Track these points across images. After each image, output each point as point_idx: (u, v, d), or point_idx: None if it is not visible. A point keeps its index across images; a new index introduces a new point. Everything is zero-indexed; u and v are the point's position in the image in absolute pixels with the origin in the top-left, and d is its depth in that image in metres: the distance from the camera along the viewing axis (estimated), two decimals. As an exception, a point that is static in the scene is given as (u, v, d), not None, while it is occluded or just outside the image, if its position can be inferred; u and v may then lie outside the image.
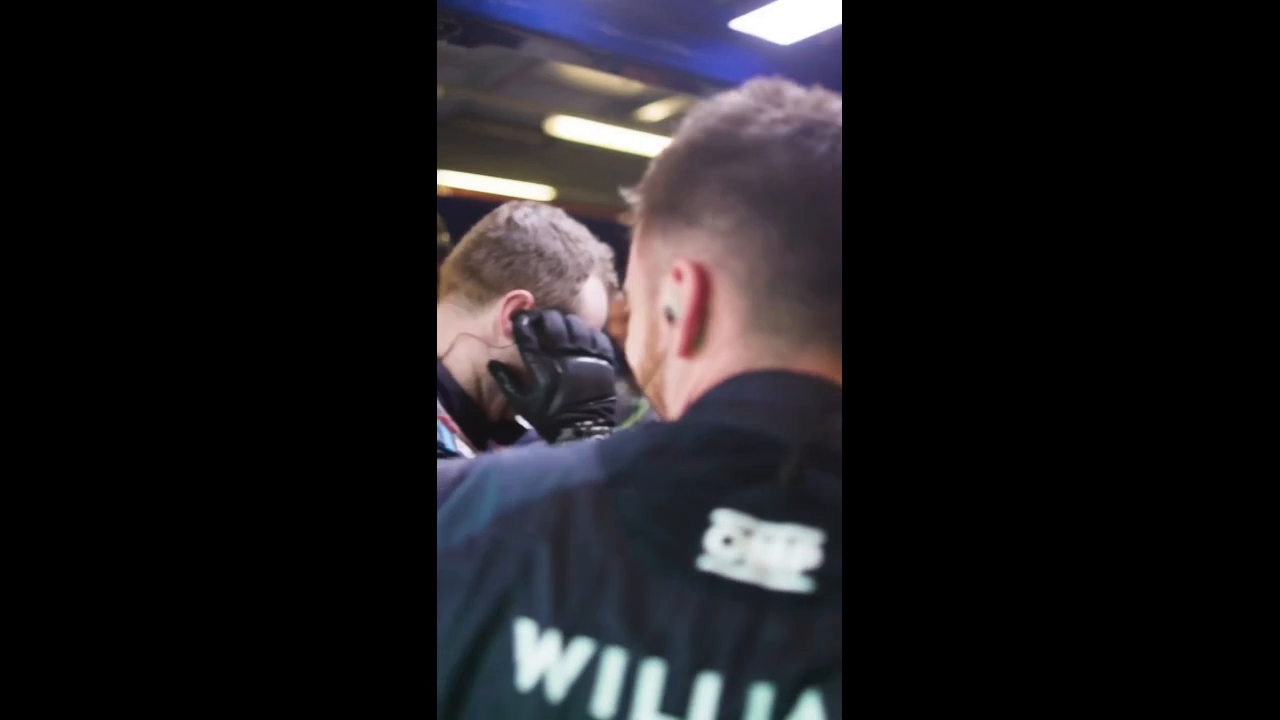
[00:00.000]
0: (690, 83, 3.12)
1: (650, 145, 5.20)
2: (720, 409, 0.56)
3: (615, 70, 3.12)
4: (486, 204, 1.27)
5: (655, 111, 5.16)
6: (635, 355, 0.65)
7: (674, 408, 0.62)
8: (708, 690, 0.47)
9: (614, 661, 0.49)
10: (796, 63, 2.87)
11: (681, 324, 0.59)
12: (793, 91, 0.61)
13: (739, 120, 0.60)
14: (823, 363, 0.57)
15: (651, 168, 0.63)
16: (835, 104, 0.61)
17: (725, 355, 0.58)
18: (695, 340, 0.59)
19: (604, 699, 0.48)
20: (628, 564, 0.50)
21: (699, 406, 0.58)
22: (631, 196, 0.64)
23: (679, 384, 0.61)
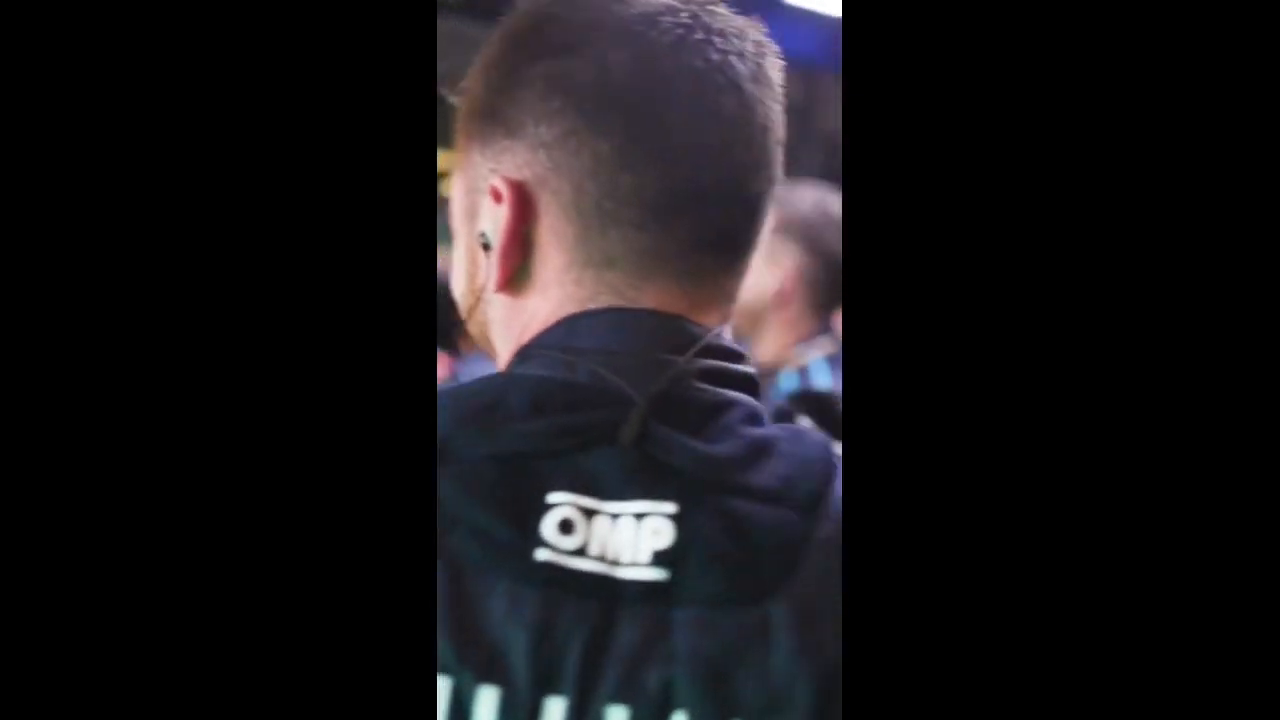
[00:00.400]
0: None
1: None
2: (548, 360, 0.47)
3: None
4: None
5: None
6: (458, 288, 0.55)
7: (503, 353, 0.53)
8: (553, 717, 0.41)
9: (439, 691, 0.42)
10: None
11: (497, 253, 0.49)
12: None
13: (572, 3, 0.50)
14: (667, 299, 0.48)
15: (474, 63, 0.53)
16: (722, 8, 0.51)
17: (555, 293, 0.49)
18: (515, 273, 0.50)
19: None
20: (447, 563, 0.43)
21: (523, 356, 0.49)
22: (450, 97, 0.54)
23: (506, 324, 0.52)
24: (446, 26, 0.56)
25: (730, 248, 0.50)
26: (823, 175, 1.83)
